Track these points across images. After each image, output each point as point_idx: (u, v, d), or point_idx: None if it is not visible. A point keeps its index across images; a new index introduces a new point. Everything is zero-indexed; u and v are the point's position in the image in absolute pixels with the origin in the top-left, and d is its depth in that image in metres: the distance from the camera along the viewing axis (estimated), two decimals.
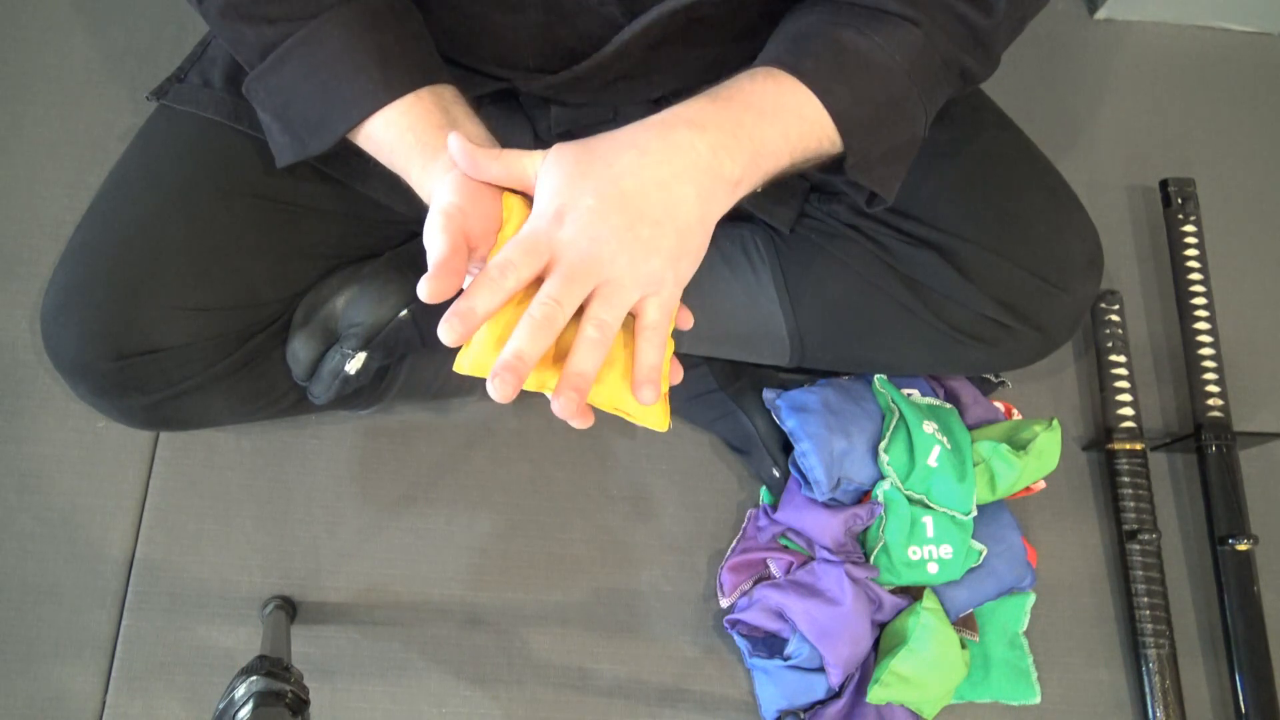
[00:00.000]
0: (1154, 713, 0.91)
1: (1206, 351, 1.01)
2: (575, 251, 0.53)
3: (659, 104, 0.78)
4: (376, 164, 0.75)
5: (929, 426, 0.88)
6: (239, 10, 0.62)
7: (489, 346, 0.53)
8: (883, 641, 0.89)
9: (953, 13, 0.62)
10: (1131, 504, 0.96)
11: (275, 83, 0.63)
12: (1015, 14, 0.65)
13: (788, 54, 0.61)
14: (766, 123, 0.58)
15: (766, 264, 0.81)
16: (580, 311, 0.54)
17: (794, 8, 0.67)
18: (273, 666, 0.64)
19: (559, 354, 0.55)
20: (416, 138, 0.60)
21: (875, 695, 0.86)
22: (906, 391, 0.93)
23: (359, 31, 0.61)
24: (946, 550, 0.88)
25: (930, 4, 0.62)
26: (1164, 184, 1.09)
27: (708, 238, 0.58)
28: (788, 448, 0.93)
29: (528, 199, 0.59)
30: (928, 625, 0.85)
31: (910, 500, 0.88)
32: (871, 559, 0.89)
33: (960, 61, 0.64)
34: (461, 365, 0.54)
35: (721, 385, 0.95)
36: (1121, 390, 1.00)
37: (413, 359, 0.86)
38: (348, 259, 0.77)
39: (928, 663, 0.85)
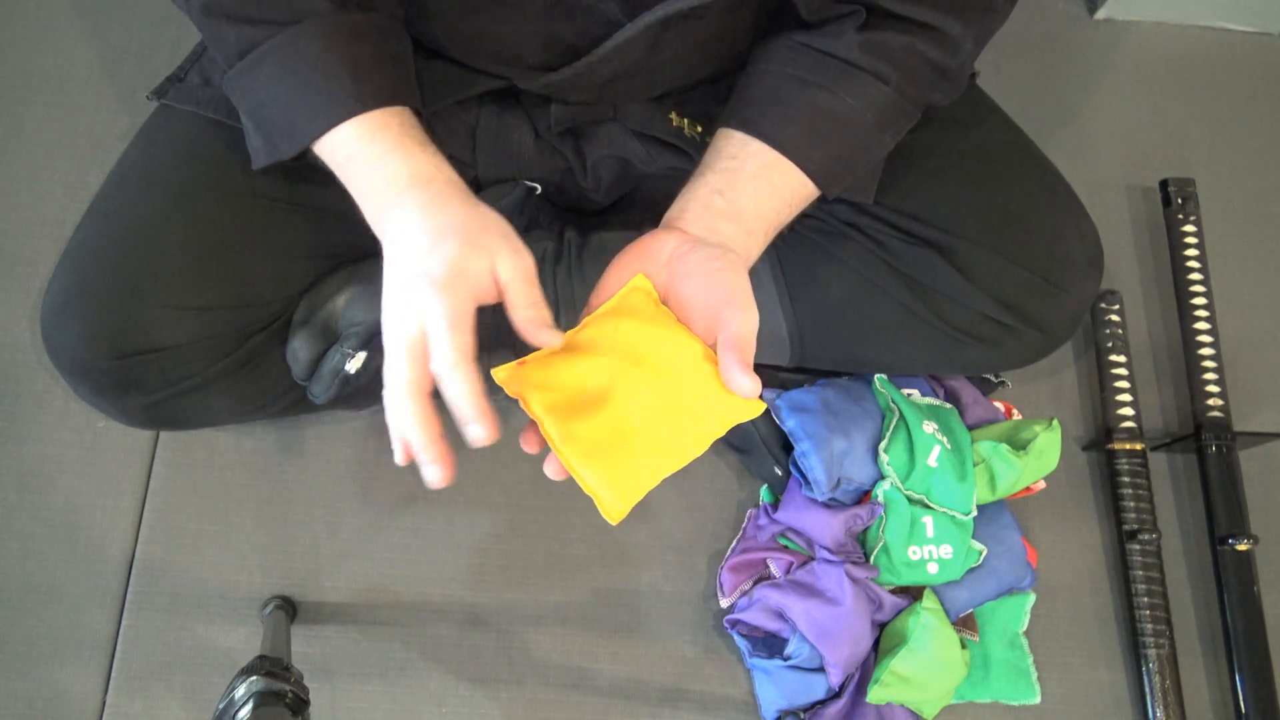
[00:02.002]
0: (1154, 713, 0.91)
1: (1206, 351, 1.01)
2: None
3: (658, 102, 0.78)
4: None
5: (929, 426, 0.88)
6: (223, 8, 0.61)
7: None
8: (883, 641, 0.89)
9: (922, 58, 0.66)
10: (1131, 504, 0.96)
11: (250, 83, 0.63)
12: (979, 47, 0.68)
13: (768, 121, 0.66)
14: (758, 218, 0.65)
15: (766, 263, 0.81)
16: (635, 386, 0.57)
17: (771, 42, 0.69)
18: (273, 666, 0.64)
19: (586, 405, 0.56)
20: (382, 153, 0.60)
21: (875, 695, 0.85)
22: (906, 391, 0.93)
23: (338, 42, 0.61)
24: (946, 550, 0.88)
25: (898, 53, 0.66)
26: (1164, 184, 1.09)
27: None
28: (788, 447, 0.93)
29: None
30: (928, 625, 0.85)
31: (910, 500, 0.88)
32: (871, 559, 0.89)
33: (929, 98, 0.69)
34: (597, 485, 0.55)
35: None
36: (1121, 390, 1.00)
37: None
38: (348, 259, 0.77)
39: (928, 663, 0.85)
